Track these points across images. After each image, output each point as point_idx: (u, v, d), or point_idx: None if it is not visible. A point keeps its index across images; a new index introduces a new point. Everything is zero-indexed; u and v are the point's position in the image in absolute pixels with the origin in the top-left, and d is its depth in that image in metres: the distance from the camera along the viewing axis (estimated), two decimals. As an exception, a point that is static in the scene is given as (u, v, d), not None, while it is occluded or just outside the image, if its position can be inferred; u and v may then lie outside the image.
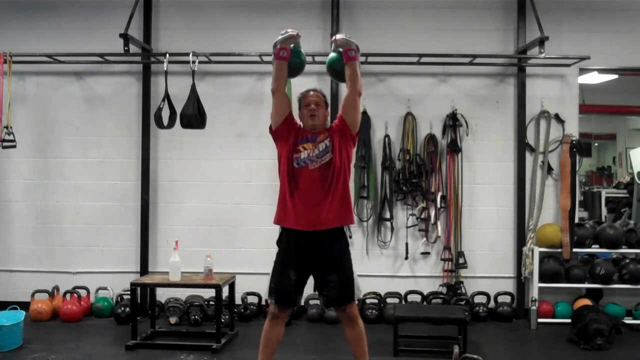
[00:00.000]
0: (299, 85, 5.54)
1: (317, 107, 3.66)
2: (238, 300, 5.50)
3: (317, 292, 3.70)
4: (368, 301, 5.61)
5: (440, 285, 5.77)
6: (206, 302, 5.60)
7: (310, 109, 3.65)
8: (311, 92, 3.74)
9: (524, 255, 5.62)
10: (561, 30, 5.71)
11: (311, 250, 3.52)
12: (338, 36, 3.68)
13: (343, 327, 3.68)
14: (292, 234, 3.55)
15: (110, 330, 5.29)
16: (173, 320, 5.37)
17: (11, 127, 5.40)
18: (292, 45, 3.65)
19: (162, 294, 5.71)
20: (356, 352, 3.65)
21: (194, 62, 5.28)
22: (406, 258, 5.78)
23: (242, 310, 5.57)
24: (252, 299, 5.68)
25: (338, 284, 3.51)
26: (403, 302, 5.66)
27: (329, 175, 3.52)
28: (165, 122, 5.25)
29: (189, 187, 5.89)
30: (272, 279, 3.58)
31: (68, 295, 5.66)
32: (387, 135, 5.79)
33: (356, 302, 3.65)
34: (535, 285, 5.52)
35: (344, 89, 5.82)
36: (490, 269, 5.81)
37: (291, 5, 5.87)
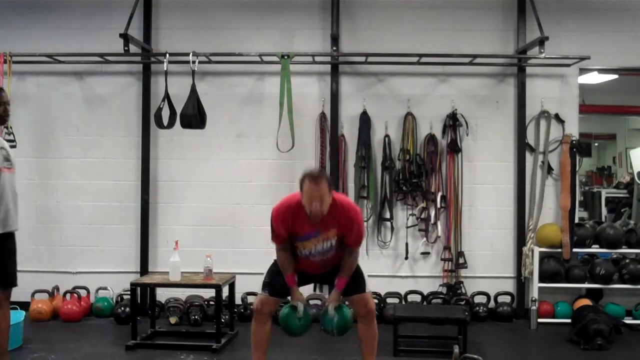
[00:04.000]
0: (299, 85, 5.59)
1: (321, 203, 3.32)
2: (238, 300, 5.50)
3: (326, 287, 3.76)
4: (368, 301, 5.61)
5: (440, 285, 5.77)
6: (206, 302, 5.60)
7: (314, 204, 3.31)
8: (315, 188, 3.29)
9: (524, 255, 5.62)
10: (561, 30, 5.71)
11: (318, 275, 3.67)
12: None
13: (358, 324, 3.68)
14: None
15: (110, 330, 5.29)
16: (173, 320, 5.37)
17: (11, 127, 5.40)
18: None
19: (162, 294, 5.71)
20: (365, 352, 3.65)
21: (194, 62, 5.28)
22: (406, 258, 5.78)
23: (242, 310, 5.56)
24: (252, 299, 5.65)
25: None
26: (403, 302, 5.66)
27: (330, 262, 3.59)
28: (165, 122, 5.26)
29: (189, 187, 5.89)
30: (268, 274, 3.63)
31: (68, 295, 5.66)
32: (387, 135, 5.78)
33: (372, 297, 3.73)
34: (535, 285, 5.52)
35: (344, 89, 5.90)
36: (490, 269, 5.81)
37: (291, 5, 5.87)
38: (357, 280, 3.59)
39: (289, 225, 3.45)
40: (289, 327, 3.60)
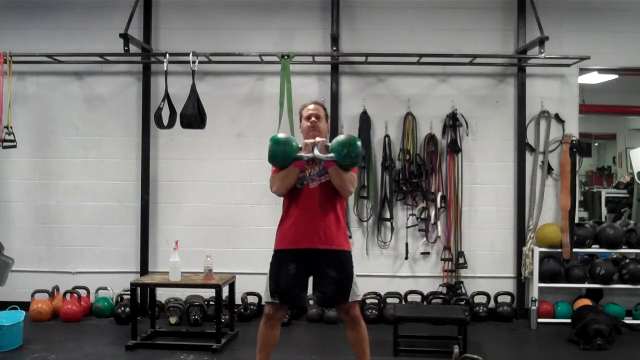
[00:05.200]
0: (299, 85, 5.59)
1: (317, 120, 3.67)
2: (238, 300, 5.50)
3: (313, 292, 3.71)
4: (368, 301, 5.61)
5: (440, 285, 5.77)
6: (206, 302, 5.60)
7: (310, 121, 3.67)
8: (311, 106, 3.74)
9: (524, 255, 5.62)
10: (561, 30, 5.71)
11: (311, 250, 3.53)
12: (316, 152, 3.50)
13: (345, 329, 3.67)
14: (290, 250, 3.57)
15: (110, 330, 5.29)
16: (173, 320, 5.37)
17: (11, 127, 5.40)
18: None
19: (162, 294, 5.71)
20: (358, 354, 3.65)
21: (194, 62, 5.27)
22: (406, 258, 5.78)
23: (242, 310, 5.57)
24: (252, 299, 5.68)
25: (336, 280, 3.50)
26: (403, 302, 5.67)
27: (327, 194, 3.54)
28: (165, 122, 5.25)
29: (189, 187, 5.89)
30: (271, 279, 3.58)
31: (68, 295, 5.67)
32: (387, 135, 5.78)
33: (358, 303, 3.64)
34: (535, 285, 5.52)
35: (344, 89, 5.90)
36: (490, 269, 5.81)
37: (291, 5, 5.87)
38: (343, 288, 3.52)
39: None
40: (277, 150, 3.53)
